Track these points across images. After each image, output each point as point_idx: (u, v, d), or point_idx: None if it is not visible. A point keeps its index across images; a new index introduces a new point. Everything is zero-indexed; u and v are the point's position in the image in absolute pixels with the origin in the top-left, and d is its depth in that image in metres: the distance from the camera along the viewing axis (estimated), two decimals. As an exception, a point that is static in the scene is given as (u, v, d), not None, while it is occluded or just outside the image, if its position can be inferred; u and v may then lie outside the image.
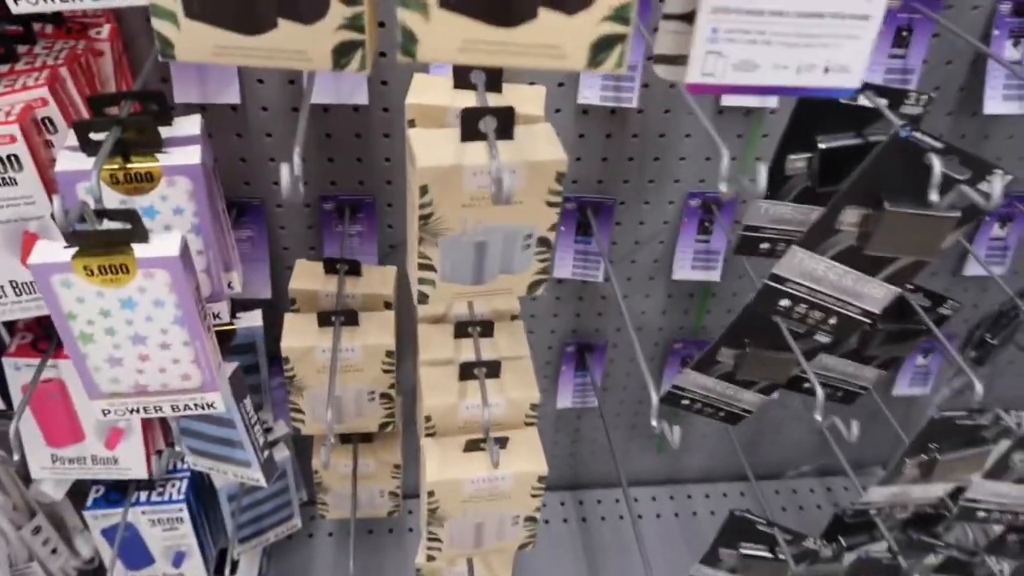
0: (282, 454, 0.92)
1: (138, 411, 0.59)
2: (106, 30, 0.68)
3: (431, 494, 0.70)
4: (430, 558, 0.77)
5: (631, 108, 0.87)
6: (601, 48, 0.36)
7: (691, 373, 0.86)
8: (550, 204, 0.59)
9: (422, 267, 0.60)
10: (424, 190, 0.55)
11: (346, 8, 0.39)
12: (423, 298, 0.62)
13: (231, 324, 0.75)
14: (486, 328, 0.79)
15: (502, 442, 0.70)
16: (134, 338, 0.55)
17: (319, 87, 0.80)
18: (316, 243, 0.95)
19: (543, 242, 0.61)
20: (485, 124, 0.54)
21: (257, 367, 0.86)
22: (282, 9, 0.38)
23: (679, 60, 0.48)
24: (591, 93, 0.84)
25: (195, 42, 0.39)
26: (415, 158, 0.54)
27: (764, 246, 0.77)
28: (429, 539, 0.74)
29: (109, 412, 0.59)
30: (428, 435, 0.74)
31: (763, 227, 0.75)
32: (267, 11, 0.38)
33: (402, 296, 0.87)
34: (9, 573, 0.82)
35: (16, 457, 0.65)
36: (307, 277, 0.84)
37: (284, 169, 0.44)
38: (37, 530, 0.89)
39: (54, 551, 0.92)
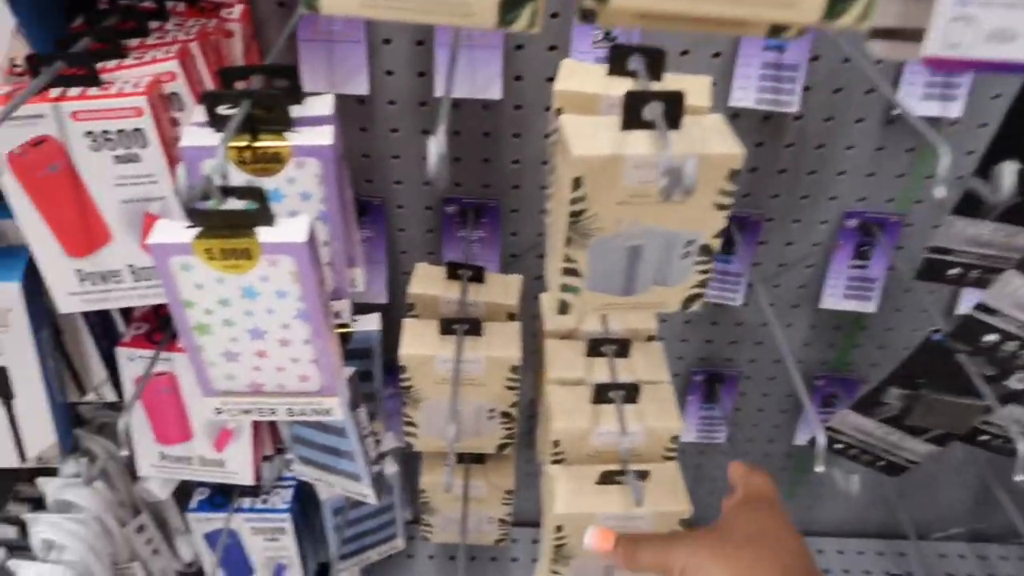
0: (391, 469, 0.86)
1: (252, 412, 0.54)
2: (237, 10, 0.65)
3: (559, 528, 0.62)
4: None
5: (789, 113, 0.78)
6: (845, -9, 0.29)
7: (849, 414, 0.75)
8: (719, 207, 0.51)
9: (566, 272, 0.53)
10: (577, 183, 0.48)
11: (521, -51, 0.32)
12: (564, 307, 0.55)
13: (347, 326, 0.71)
14: (622, 347, 0.71)
15: (642, 476, 0.61)
16: (253, 332, 0.50)
17: (446, 79, 0.75)
18: (435, 248, 0.90)
19: (705, 251, 0.53)
20: (651, 110, 0.47)
21: (371, 374, 0.81)
22: (446, -51, 0.33)
23: (904, 34, 0.40)
24: (745, 94, 0.75)
25: (344, -10, 0.34)
26: (569, 146, 0.48)
27: (954, 272, 0.66)
28: (550, 578, 0.66)
29: (222, 411, 0.54)
30: (555, 462, 0.66)
31: (955, 250, 0.64)
32: (429, -49, 0.33)
33: (524, 308, 0.81)
34: (112, 571, 0.79)
35: (125, 453, 0.62)
36: (427, 281, 0.78)
37: (432, 144, 0.38)
38: (141, 528, 0.87)
39: (156, 551, 0.90)
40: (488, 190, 0.85)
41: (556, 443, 0.67)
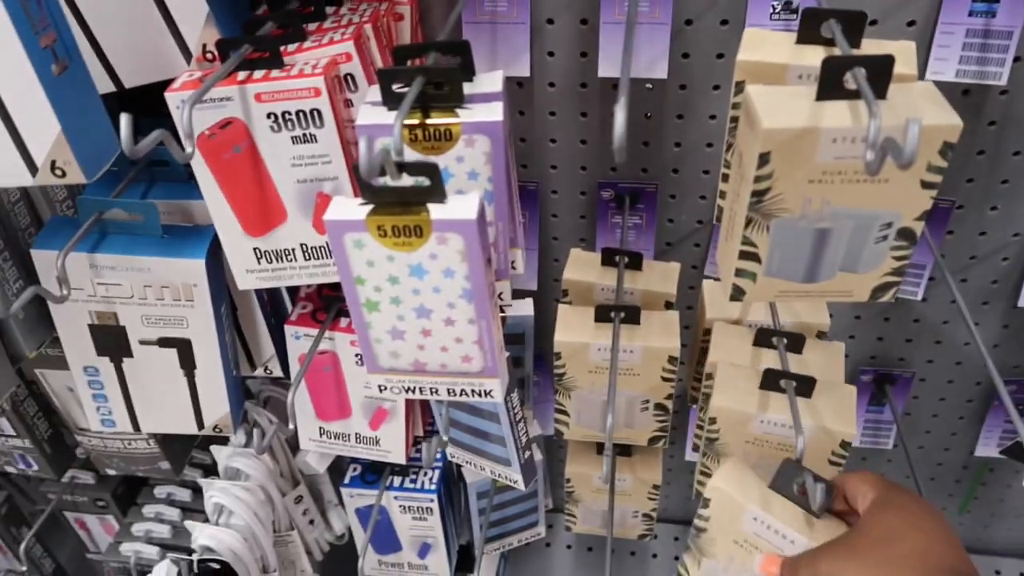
0: (537, 456, 0.86)
1: (414, 390, 0.54)
2: (408, -7, 0.65)
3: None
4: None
5: (993, 87, 0.70)
6: None
7: (1056, 424, 0.66)
8: (926, 184, 0.46)
9: (744, 255, 0.49)
10: (764, 159, 0.45)
11: None
12: (738, 293, 0.52)
13: (504, 309, 0.70)
14: (795, 342, 0.66)
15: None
16: (419, 310, 0.50)
17: (610, 59, 0.72)
18: (588, 235, 0.88)
19: (905, 234, 0.48)
20: (854, 78, 0.43)
21: (522, 360, 0.80)
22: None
23: None
24: (944, 66, 0.68)
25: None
26: (758, 118, 0.44)
27: None
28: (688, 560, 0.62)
29: (385, 388, 0.55)
30: (711, 441, 0.63)
31: None
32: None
33: (680, 298, 0.77)
34: (273, 538, 0.83)
35: (291, 426, 0.64)
36: (582, 267, 0.77)
37: (620, 112, 0.36)
38: (299, 499, 0.90)
39: (311, 522, 0.93)
40: (646, 174, 0.82)
41: (713, 420, 0.63)
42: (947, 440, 1.01)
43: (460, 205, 0.46)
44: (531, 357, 0.81)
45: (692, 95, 0.75)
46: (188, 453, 0.89)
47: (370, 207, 0.47)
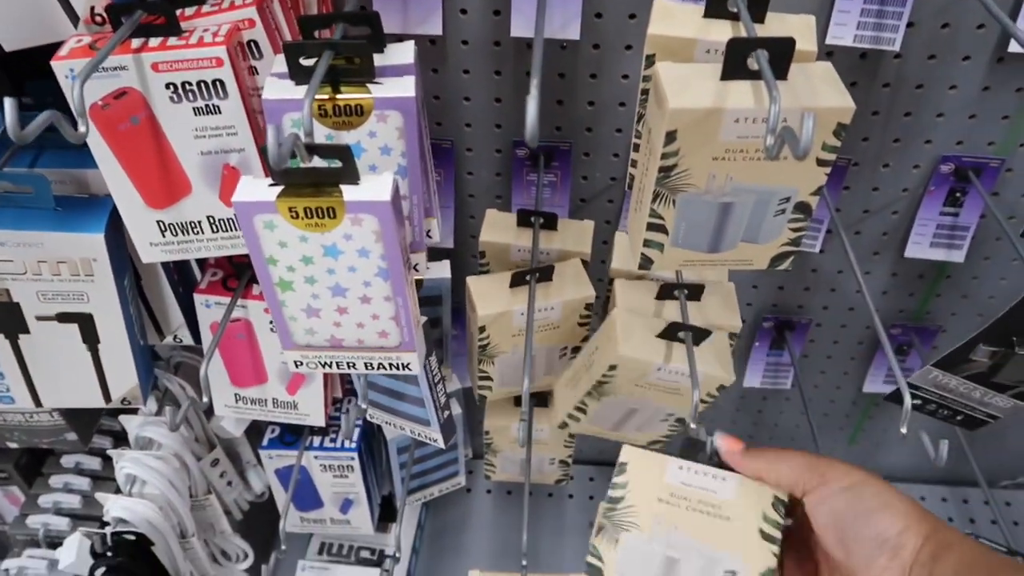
0: (456, 411, 0.87)
1: (331, 365, 0.54)
2: (313, -50, 0.62)
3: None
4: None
5: (888, 52, 0.72)
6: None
7: (933, 371, 0.72)
8: (821, 162, 0.48)
9: (651, 227, 0.51)
10: (671, 137, 0.46)
11: None
12: (646, 263, 0.54)
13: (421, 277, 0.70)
14: (694, 291, 0.69)
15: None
16: (334, 289, 0.50)
17: (522, 18, 0.71)
18: (504, 192, 0.88)
19: (802, 208, 0.51)
20: (756, 59, 0.44)
21: (439, 321, 0.81)
22: None
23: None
24: (843, 31, 0.70)
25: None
26: (664, 97, 0.45)
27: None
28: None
29: (301, 364, 0.54)
30: (601, 383, 0.66)
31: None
32: None
33: (594, 252, 0.79)
34: (190, 503, 0.82)
35: (204, 399, 0.63)
36: (498, 229, 0.77)
37: (531, 103, 0.36)
38: (215, 463, 0.90)
39: (229, 483, 0.93)
40: (560, 133, 0.82)
41: (613, 367, 0.65)
42: (839, 379, 1.08)
43: (374, 186, 0.45)
44: (448, 316, 0.82)
45: (605, 55, 0.75)
46: (96, 423, 0.87)
47: (280, 188, 0.46)
